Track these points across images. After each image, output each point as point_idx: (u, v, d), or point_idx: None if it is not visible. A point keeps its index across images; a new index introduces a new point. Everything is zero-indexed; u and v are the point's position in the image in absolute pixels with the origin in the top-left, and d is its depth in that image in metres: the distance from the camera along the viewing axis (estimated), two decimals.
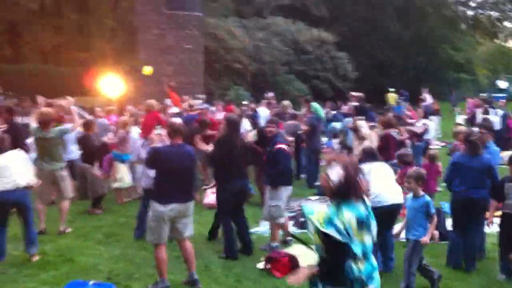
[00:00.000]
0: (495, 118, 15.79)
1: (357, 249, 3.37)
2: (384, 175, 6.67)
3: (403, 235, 7.60)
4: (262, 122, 12.84)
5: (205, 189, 9.97)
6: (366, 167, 6.43)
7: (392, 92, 25.77)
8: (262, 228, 8.34)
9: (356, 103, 13.13)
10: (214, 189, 9.33)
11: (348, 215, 3.36)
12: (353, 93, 12.57)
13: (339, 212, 3.38)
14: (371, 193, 6.19)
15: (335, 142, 13.83)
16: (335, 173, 3.44)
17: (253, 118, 13.81)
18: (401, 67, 33.44)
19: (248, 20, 28.18)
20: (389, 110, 19.60)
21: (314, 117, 12.26)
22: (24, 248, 7.00)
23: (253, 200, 9.74)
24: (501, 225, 6.69)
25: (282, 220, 7.47)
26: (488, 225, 6.89)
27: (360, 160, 6.59)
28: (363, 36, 33.58)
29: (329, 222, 3.35)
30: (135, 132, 10.09)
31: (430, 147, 12.83)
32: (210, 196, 9.80)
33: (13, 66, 29.88)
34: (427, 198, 5.95)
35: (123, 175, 9.65)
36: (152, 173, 6.99)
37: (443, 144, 17.66)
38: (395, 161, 9.58)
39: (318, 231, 3.42)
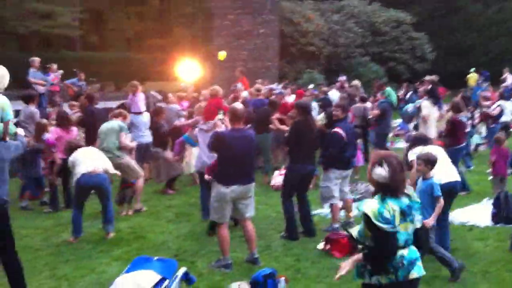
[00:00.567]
0: None
1: (401, 237, 3.61)
2: (438, 156, 6.63)
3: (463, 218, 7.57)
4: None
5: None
6: (417, 150, 6.51)
7: (472, 72, 24.80)
8: (324, 210, 8.48)
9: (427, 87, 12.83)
10: (282, 171, 9.64)
11: (393, 207, 3.58)
12: (426, 78, 12.32)
13: (385, 204, 3.59)
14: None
15: (411, 125, 13.66)
16: (381, 170, 3.62)
17: (324, 101, 13.86)
18: (481, 47, 31.94)
19: (323, 2, 27.93)
20: (469, 91, 18.93)
21: (386, 101, 12.17)
22: (102, 226, 7.56)
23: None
24: None
25: (334, 201, 7.59)
26: None
27: (411, 145, 6.83)
28: (441, 16, 32.37)
29: (379, 214, 3.55)
30: None
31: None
32: (277, 178, 10.07)
33: (97, 54, 31.37)
34: (433, 180, 5.91)
35: (191, 160, 10.06)
36: (205, 157, 7.35)
37: None
38: (463, 145, 9.46)
39: (367, 222, 3.61)
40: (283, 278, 5.35)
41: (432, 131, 10.01)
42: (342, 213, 7.95)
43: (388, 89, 12.72)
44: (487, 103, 13.45)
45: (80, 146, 7.85)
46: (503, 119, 12.77)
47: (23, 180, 9.26)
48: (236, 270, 6.18)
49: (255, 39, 22.31)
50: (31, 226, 8.01)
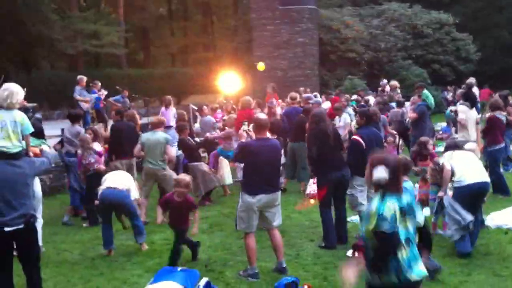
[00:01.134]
0: None
1: (402, 236, 3.60)
2: (466, 159, 6.71)
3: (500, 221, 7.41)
4: None
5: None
6: (448, 154, 6.67)
7: None
8: (357, 217, 8.36)
9: (463, 90, 12.57)
10: (315, 180, 9.59)
11: (393, 206, 3.59)
12: (468, 80, 12.13)
13: (384, 202, 3.61)
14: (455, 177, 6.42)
15: (453, 129, 13.38)
16: (381, 170, 3.66)
17: (361, 107, 13.74)
18: None
19: (362, 8, 27.75)
20: None
21: (423, 105, 11.93)
22: (135, 239, 7.71)
23: None
24: None
25: (361, 208, 7.47)
26: None
27: (444, 150, 7.04)
28: (485, 16, 31.55)
29: (379, 214, 3.57)
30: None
31: None
32: (313, 187, 10.02)
33: (143, 70, 32.13)
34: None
35: (225, 173, 10.14)
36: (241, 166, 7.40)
37: None
38: (502, 145, 9.21)
39: (369, 224, 3.63)
40: (306, 287, 5.32)
41: (472, 135, 9.77)
42: None
43: (426, 91, 12.44)
44: None
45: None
46: None
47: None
48: (263, 280, 6.19)
49: (294, 48, 22.43)
50: (70, 240, 8.25)
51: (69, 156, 9.55)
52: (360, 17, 26.56)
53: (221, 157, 10.16)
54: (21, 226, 4.97)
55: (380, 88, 17.59)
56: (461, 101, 10.40)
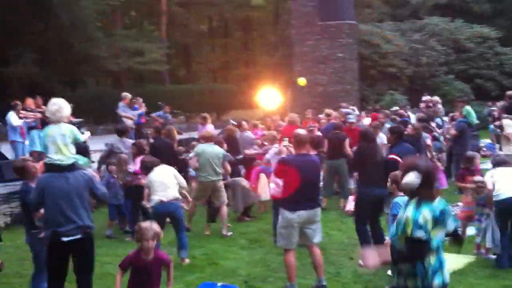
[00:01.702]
0: None
1: (433, 243, 3.71)
2: (508, 173, 6.73)
3: None
4: None
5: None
6: (491, 171, 6.82)
7: None
8: None
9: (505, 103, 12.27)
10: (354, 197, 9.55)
11: (426, 214, 3.67)
12: (508, 92, 11.80)
13: (419, 210, 3.70)
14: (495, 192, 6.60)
15: (497, 145, 13.08)
16: (413, 176, 3.70)
17: (404, 123, 13.57)
18: None
19: (403, 23, 27.55)
20: None
21: (463, 121, 11.69)
22: (177, 252, 7.82)
23: None
24: None
25: None
26: None
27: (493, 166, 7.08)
28: None
29: (414, 221, 3.67)
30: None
31: None
32: (352, 204, 9.96)
33: (185, 86, 32.66)
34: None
35: (264, 189, 10.18)
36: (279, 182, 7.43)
37: None
38: None
39: (405, 230, 3.72)
40: None
41: None
42: None
43: (467, 107, 12.18)
44: None
45: (154, 165, 8.17)
46: None
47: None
48: None
49: (334, 63, 22.42)
50: (113, 254, 8.41)
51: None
52: (400, 32, 26.36)
53: (261, 173, 10.20)
54: (78, 237, 5.15)
55: (423, 104, 17.34)
56: (504, 115, 10.18)
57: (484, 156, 14.90)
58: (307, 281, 6.64)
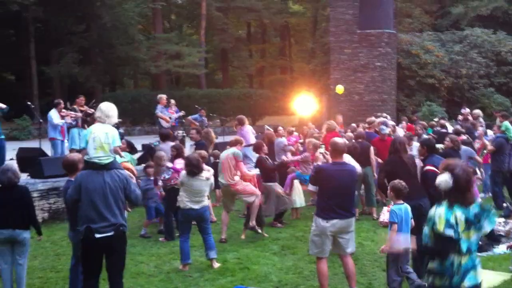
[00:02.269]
0: None
1: (463, 245, 3.77)
2: None
3: None
4: None
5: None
6: None
7: None
8: None
9: None
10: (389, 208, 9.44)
11: (459, 215, 3.76)
12: None
13: (452, 211, 3.79)
14: None
15: None
16: (446, 176, 3.81)
17: (441, 135, 13.39)
18: None
19: (444, 33, 27.14)
20: None
21: (502, 137, 11.39)
22: (205, 254, 7.89)
23: None
24: None
25: None
26: None
27: None
28: None
29: (446, 220, 3.77)
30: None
31: None
32: (386, 214, 9.85)
33: (221, 90, 32.91)
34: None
35: (297, 197, 10.15)
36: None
37: None
38: None
39: (435, 228, 3.83)
40: None
41: None
42: None
43: (506, 122, 11.83)
44: None
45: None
46: None
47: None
48: None
49: (371, 72, 22.25)
50: (147, 253, 8.55)
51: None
52: (441, 43, 25.99)
53: (295, 180, 10.22)
54: (110, 234, 5.25)
55: (461, 117, 17.05)
56: None
57: None
58: None
